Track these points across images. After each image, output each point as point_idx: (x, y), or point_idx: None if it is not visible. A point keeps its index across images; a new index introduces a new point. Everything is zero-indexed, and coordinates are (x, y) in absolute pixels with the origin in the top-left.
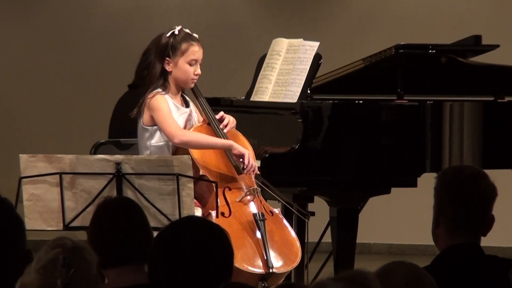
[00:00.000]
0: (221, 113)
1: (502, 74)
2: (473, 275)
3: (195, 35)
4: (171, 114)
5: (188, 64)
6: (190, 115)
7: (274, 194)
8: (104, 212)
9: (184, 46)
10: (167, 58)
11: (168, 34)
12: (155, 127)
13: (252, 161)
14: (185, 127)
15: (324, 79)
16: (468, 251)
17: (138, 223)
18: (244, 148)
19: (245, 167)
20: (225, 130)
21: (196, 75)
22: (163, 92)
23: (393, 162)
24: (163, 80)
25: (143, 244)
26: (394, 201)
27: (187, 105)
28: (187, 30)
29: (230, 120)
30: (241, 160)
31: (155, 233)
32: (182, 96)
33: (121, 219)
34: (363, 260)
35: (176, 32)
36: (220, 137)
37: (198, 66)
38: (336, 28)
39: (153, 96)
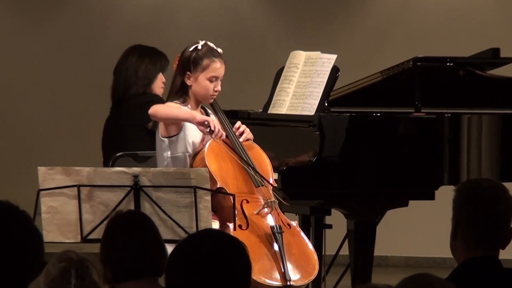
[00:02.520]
0: (239, 123)
1: None
2: None
3: (219, 50)
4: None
5: (208, 81)
6: None
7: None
8: (116, 226)
9: (205, 62)
10: (188, 72)
11: (191, 48)
12: (172, 138)
13: (218, 126)
14: (203, 140)
15: (342, 92)
16: (486, 264)
17: (150, 236)
18: (262, 161)
19: (212, 130)
20: (241, 139)
21: (216, 91)
22: (181, 104)
23: (410, 175)
24: (182, 93)
25: (156, 257)
26: (412, 214)
27: None
28: (211, 45)
29: (247, 130)
30: (206, 123)
31: (171, 246)
32: (202, 108)
33: (132, 232)
34: (381, 273)
35: (199, 47)
36: (240, 153)
37: (219, 82)
38: (353, 41)
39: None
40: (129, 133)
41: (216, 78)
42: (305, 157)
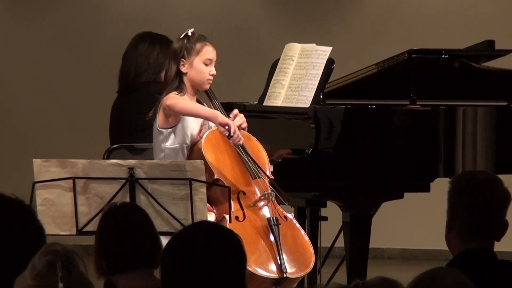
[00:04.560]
0: (236, 110)
1: None
2: (486, 280)
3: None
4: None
5: (203, 64)
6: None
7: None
8: (110, 218)
9: (198, 46)
10: (182, 59)
11: (181, 36)
12: (170, 129)
13: (237, 131)
14: (200, 131)
15: (337, 84)
16: (481, 256)
17: (144, 228)
18: (258, 153)
19: (231, 135)
20: (236, 123)
21: (212, 75)
22: (179, 95)
23: (406, 167)
24: (178, 81)
25: (151, 248)
26: (407, 206)
27: None
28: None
29: (243, 118)
30: (226, 128)
31: (167, 238)
32: (197, 100)
33: (127, 224)
34: (376, 265)
35: (190, 34)
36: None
37: (213, 66)
38: (349, 33)
39: (168, 97)
40: (139, 121)
41: (211, 61)
42: (300, 149)
